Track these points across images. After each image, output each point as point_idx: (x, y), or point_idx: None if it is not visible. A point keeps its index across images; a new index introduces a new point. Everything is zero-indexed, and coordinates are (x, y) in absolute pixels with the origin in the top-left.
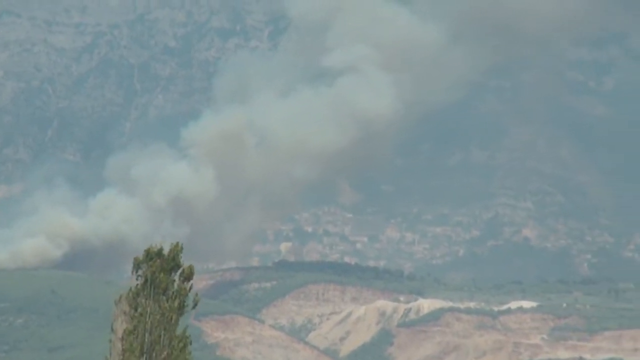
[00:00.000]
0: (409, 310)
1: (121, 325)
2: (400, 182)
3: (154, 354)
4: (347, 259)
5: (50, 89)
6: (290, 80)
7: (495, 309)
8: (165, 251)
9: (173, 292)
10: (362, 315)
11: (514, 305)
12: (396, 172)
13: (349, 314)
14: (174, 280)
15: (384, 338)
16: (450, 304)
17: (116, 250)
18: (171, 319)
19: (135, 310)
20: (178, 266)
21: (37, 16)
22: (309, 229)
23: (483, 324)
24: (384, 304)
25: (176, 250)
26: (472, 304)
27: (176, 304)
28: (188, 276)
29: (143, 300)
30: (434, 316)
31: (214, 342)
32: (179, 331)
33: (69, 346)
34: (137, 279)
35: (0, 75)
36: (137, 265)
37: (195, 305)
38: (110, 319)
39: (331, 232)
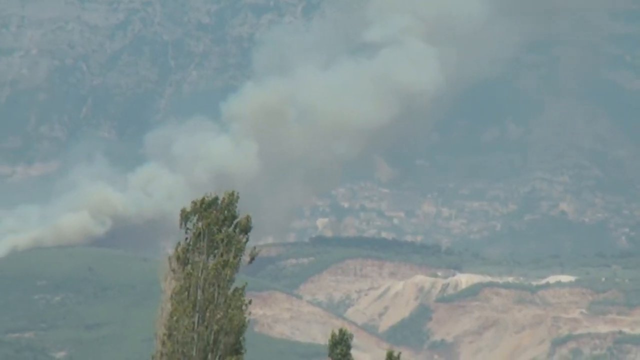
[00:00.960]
0: (447, 285)
1: (170, 285)
2: (436, 157)
3: (207, 314)
4: (384, 235)
5: (84, 66)
6: (331, 53)
7: (534, 283)
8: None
9: (228, 246)
10: (400, 290)
11: (552, 279)
12: (432, 147)
13: (387, 290)
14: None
15: (423, 313)
16: (488, 278)
17: (156, 227)
18: (227, 275)
19: (185, 266)
20: (234, 217)
21: None
22: (346, 205)
23: (522, 298)
24: (422, 279)
25: (231, 199)
26: (510, 279)
27: (231, 258)
28: (245, 228)
29: (194, 256)
30: (472, 291)
31: (251, 318)
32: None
33: (105, 323)
34: (186, 232)
35: (35, 53)
36: (185, 217)
37: (252, 259)
38: (147, 296)
39: (368, 208)
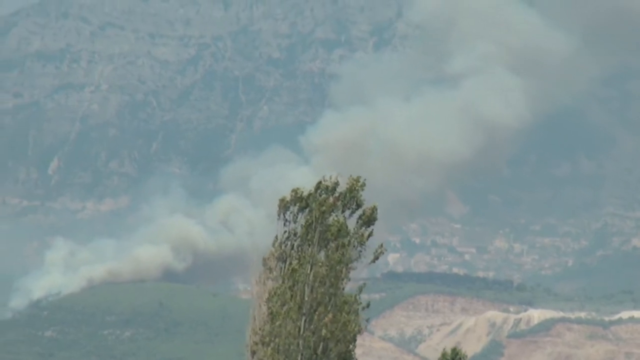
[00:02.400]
0: (519, 320)
1: (265, 286)
2: (507, 192)
3: (315, 317)
4: (455, 270)
5: (154, 101)
6: (412, 84)
7: (606, 318)
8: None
9: (347, 239)
10: (472, 326)
11: (624, 315)
12: (504, 182)
13: (459, 325)
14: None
15: (495, 349)
16: (560, 314)
17: (234, 262)
18: (341, 272)
19: (285, 263)
20: (358, 205)
21: (141, 29)
22: (417, 240)
23: (594, 333)
24: (494, 314)
25: (357, 186)
26: (582, 314)
27: (349, 254)
28: (368, 220)
29: (303, 249)
30: (545, 326)
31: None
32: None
33: (176, 359)
34: (284, 225)
35: (105, 88)
36: (284, 207)
37: (376, 257)
38: (219, 332)
39: (439, 243)
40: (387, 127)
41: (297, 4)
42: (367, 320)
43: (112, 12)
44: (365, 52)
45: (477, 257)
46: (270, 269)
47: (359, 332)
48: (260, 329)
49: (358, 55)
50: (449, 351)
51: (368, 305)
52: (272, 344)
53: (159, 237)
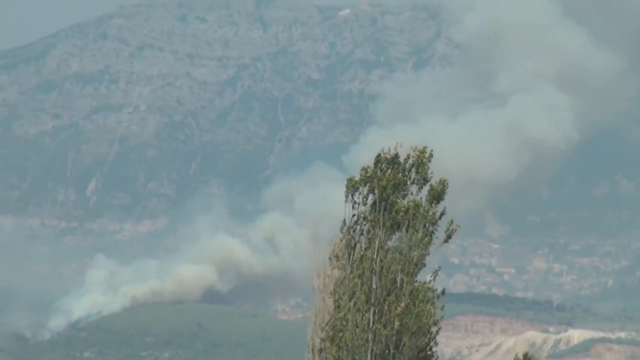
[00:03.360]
0: (559, 341)
1: (331, 276)
2: (546, 212)
3: (385, 306)
4: (494, 290)
5: (193, 122)
6: (456, 102)
7: None
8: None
9: (416, 219)
10: (511, 346)
11: None
12: (542, 203)
13: (499, 346)
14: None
15: None
16: (600, 334)
17: (277, 282)
18: (414, 257)
19: (354, 250)
20: (425, 180)
21: (180, 50)
22: (456, 261)
23: (634, 354)
24: (534, 334)
25: (423, 157)
26: (622, 334)
27: (420, 235)
28: (438, 195)
29: (372, 234)
30: (585, 347)
31: None
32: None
33: None
34: (352, 207)
35: (144, 109)
36: (352, 188)
37: (448, 237)
38: (257, 353)
39: (477, 264)
40: (432, 145)
41: (336, 25)
42: (442, 309)
43: (151, 33)
44: (404, 72)
45: (516, 277)
46: (337, 257)
47: (435, 323)
48: (326, 325)
49: (397, 75)
50: (520, 356)
51: (443, 293)
52: (337, 340)
53: (202, 256)
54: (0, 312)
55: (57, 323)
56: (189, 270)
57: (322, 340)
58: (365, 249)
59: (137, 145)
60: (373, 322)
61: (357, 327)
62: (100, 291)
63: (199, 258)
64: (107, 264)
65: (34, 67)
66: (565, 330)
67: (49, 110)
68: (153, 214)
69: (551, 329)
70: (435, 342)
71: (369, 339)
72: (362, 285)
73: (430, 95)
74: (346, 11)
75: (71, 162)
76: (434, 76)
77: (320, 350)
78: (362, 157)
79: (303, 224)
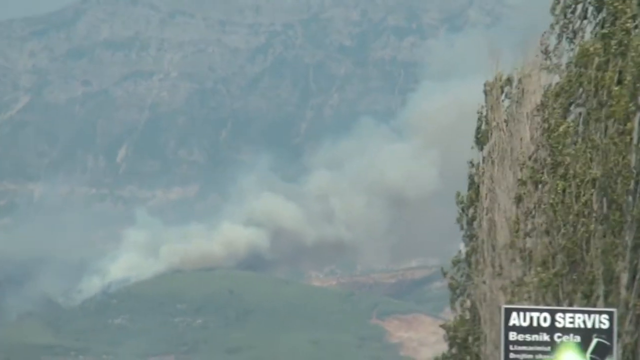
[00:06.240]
0: None
1: (536, 83)
2: None
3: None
4: None
5: (224, 89)
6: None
7: None
8: None
9: None
10: None
11: None
12: None
13: None
14: None
15: None
16: None
17: (324, 247)
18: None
19: (571, 40)
20: None
21: (211, 16)
22: None
23: None
24: None
25: None
26: None
27: None
28: None
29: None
30: None
31: (397, 341)
32: None
33: (247, 347)
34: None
35: (174, 76)
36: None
37: None
38: (290, 319)
39: None
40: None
41: None
42: None
43: None
44: (436, 39)
45: None
46: (546, 52)
47: None
48: (530, 155)
49: (429, 42)
50: None
51: None
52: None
53: (251, 219)
54: (31, 278)
55: (90, 285)
56: (234, 232)
57: (523, 182)
58: (591, 40)
59: (168, 112)
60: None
61: (585, 152)
62: (137, 255)
63: (247, 220)
64: (143, 229)
65: (65, 34)
66: None
67: (79, 77)
68: (183, 181)
69: None
70: None
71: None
72: (585, 94)
73: (471, 58)
74: None
75: (101, 129)
76: (468, 41)
77: (519, 199)
78: (417, 120)
79: (356, 186)
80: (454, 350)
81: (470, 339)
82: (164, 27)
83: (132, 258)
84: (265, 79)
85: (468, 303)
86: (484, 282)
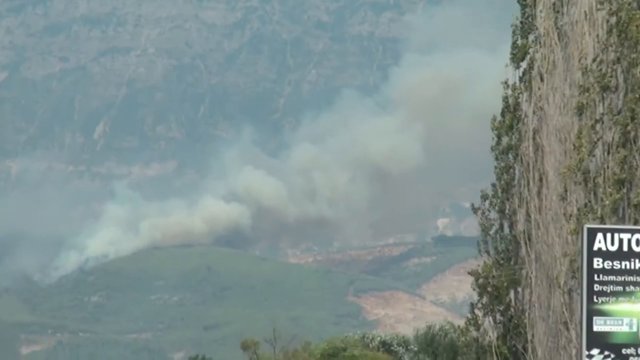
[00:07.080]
0: None
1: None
2: None
3: None
4: None
5: (202, 65)
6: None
7: None
8: None
9: None
10: None
11: None
12: None
13: None
14: None
15: None
16: None
17: (305, 224)
18: None
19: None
20: None
21: None
22: (467, 205)
23: None
24: None
25: None
26: None
27: None
28: None
29: None
30: None
31: (374, 318)
32: None
33: (224, 324)
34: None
35: (152, 52)
36: None
37: None
38: (267, 296)
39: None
40: (472, 84)
41: None
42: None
43: None
44: (415, 14)
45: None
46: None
47: None
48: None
49: (407, 17)
50: None
51: None
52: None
53: (229, 193)
54: (8, 255)
55: (67, 262)
56: (216, 207)
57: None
58: None
59: (145, 88)
60: None
61: None
62: (116, 231)
63: (228, 195)
64: (119, 206)
65: (41, 10)
66: None
67: (56, 53)
68: (162, 157)
69: None
70: None
71: None
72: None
73: (453, 31)
74: None
75: (79, 105)
76: (443, 19)
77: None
78: (400, 93)
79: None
80: (484, 300)
81: (505, 283)
82: (141, 3)
83: (111, 232)
84: (243, 54)
85: (502, 245)
86: (530, 216)
